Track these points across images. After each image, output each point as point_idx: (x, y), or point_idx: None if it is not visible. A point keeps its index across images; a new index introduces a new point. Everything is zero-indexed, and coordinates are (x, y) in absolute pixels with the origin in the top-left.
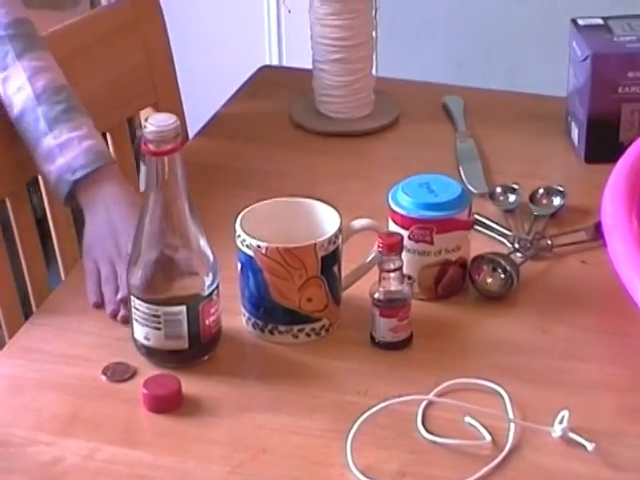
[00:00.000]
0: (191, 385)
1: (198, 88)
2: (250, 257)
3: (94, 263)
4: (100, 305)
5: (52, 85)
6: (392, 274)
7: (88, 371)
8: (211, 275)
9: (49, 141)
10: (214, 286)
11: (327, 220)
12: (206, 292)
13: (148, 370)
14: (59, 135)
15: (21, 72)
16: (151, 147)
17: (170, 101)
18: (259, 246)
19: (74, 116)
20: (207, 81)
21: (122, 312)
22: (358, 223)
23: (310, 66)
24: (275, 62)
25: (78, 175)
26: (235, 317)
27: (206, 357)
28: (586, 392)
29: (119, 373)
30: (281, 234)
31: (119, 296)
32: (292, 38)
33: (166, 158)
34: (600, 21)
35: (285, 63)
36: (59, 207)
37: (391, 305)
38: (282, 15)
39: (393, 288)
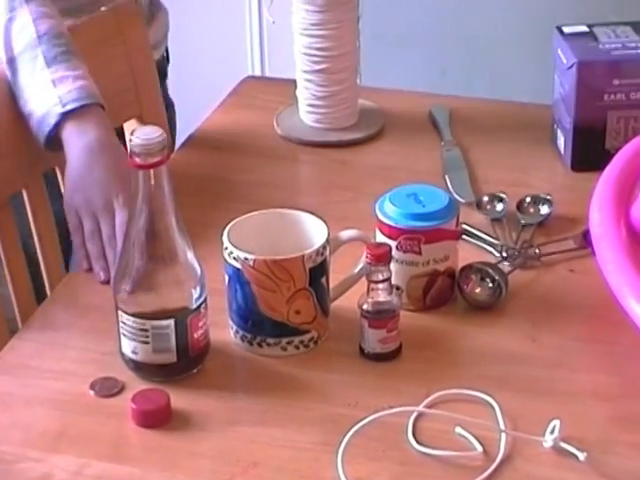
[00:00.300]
0: (180, 399)
1: (182, 99)
2: (238, 269)
3: (77, 215)
4: (90, 270)
5: (55, 30)
6: (380, 285)
7: (76, 386)
8: (199, 288)
9: (45, 76)
10: (202, 299)
11: (315, 231)
12: (194, 305)
13: (136, 384)
14: (55, 72)
15: (27, 14)
16: (137, 160)
17: (155, 112)
18: (247, 258)
19: (72, 58)
20: (190, 92)
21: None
22: (346, 234)
23: (294, 76)
24: (258, 73)
25: (68, 107)
26: (223, 330)
27: (195, 370)
28: (576, 401)
29: (107, 388)
30: (268, 246)
31: (109, 259)
32: (274, 49)
33: (152, 171)
34: (585, 28)
35: (268, 74)
36: (43, 220)
37: (380, 316)
38: (264, 26)
39: (382, 299)
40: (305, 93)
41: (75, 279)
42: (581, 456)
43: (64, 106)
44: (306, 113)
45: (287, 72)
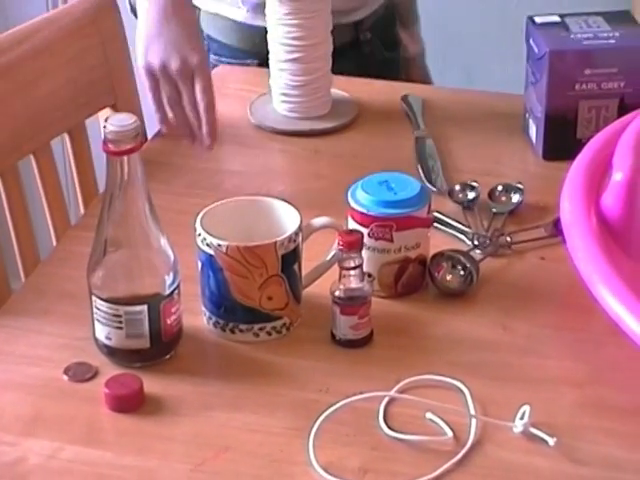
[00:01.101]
0: (153, 384)
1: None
2: (210, 256)
3: (153, 77)
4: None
5: None
6: (352, 272)
7: (50, 371)
8: (172, 274)
9: None
10: (175, 285)
11: (287, 219)
12: (167, 291)
13: (110, 370)
14: None
15: None
16: (111, 147)
17: (128, 101)
18: (220, 245)
19: None
20: None
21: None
22: (318, 221)
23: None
24: None
25: None
26: (196, 316)
27: (167, 356)
28: (546, 387)
29: (81, 373)
30: (241, 233)
31: (192, 125)
32: None
33: (126, 158)
34: (557, 18)
35: None
36: (17, 204)
37: (351, 303)
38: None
39: (353, 285)
40: (279, 82)
41: (49, 266)
42: (551, 441)
43: None
44: (280, 102)
45: None
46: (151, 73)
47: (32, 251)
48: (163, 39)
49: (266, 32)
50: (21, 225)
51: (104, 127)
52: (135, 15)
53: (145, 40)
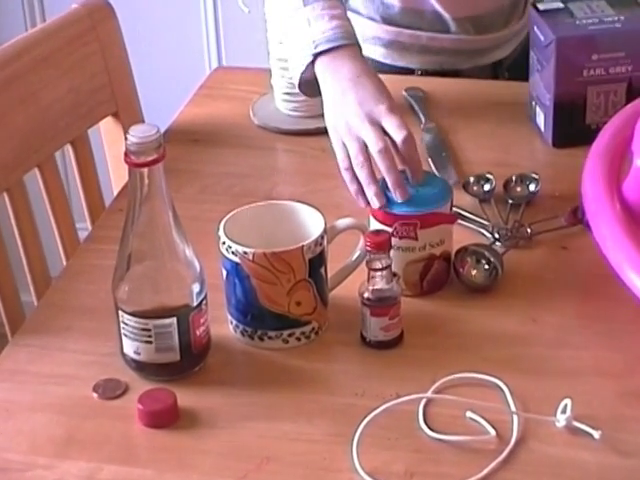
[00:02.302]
0: (185, 398)
1: (148, 95)
2: (236, 264)
3: (343, 145)
4: (362, 193)
5: None
6: (381, 272)
7: (78, 390)
8: (199, 284)
9: (301, 14)
10: (202, 295)
11: (310, 222)
12: (195, 302)
13: (139, 385)
14: (312, 10)
15: None
16: (134, 159)
17: (130, 108)
18: (246, 252)
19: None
20: (153, 87)
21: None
22: (342, 223)
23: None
24: (214, 64)
25: (320, 49)
26: (221, 325)
27: (197, 368)
28: (584, 380)
29: (110, 390)
30: (264, 238)
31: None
32: (231, 40)
33: (147, 169)
34: (560, 4)
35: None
36: (24, 218)
37: (382, 304)
38: (219, 18)
39: (383, 286)
40: (281, 82)
41: (64, 281)
42: (596, 434)
43: (316, 47)
44: (282, 102)
45: (245, 62)
46: (340, 141)
47: (41, 263)
48: (348, 101)
49: None
50: (29, 238)
51: (126, 139)
52: (302, 91)
53: (330, 109)
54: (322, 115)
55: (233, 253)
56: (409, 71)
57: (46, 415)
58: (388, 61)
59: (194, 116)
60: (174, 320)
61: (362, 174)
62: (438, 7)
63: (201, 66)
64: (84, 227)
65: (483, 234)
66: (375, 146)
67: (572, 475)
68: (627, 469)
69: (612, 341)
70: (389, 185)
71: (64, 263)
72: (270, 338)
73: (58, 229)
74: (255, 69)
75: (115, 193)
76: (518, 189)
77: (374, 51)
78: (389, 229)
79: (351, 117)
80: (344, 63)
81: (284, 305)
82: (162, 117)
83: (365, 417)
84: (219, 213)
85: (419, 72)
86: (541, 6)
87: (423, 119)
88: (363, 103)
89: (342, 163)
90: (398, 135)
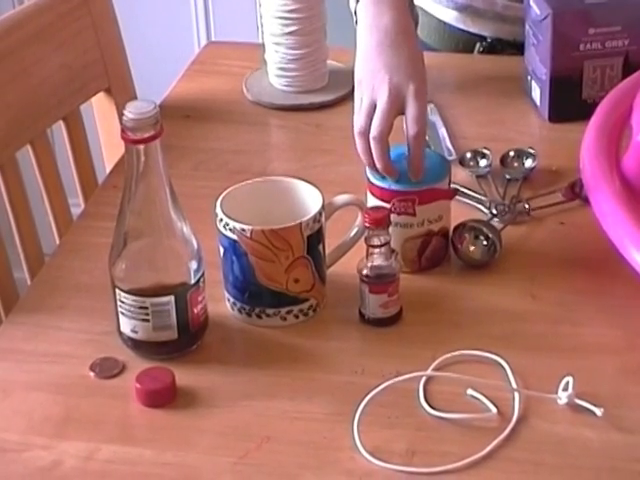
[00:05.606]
0: (182, 376)
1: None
2: (234, 241)
3: (361, 98)
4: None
5: None
6: (380, 249)
7: (75, 369)
8: (196, 262)
9: None
10: (200, 273)
11: (307, 198)
12: (193, 280)
13: (136, 364)
14: None
15: None
16: (130, 135)
17: (123, 83)
18: (243, 229)
19: None
20: (142, 62)
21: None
22: (340, 199)
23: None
24: (203, 40)
25: None
26: (219, 303)
27: (194, 346)
28: (585, 356)
29: (108, 369)
30: (261, 215)
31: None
32: (220, 16)
33: (144, 146)
34: None
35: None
36: (16, 195)
37: (380, 281)
38: None
39: (382, 263)
40: (275, 57)
41: (58, 259)
42: (598, 412)
43: None
44: (276, 77)
45: (234, 37)
46: (361, 95)
47: (34, 240)
48: (379, 63)
49: None
50: (22, 216)
51: (123, 115)
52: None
53: (361, 62)
54: (316, 90)
55: (231, 230)
56: (481, 38)
57: (43, 394)
58: (460, 25)
59: (187, 92)
60: (171, 298)
61: (360, 143)
62: None
63: (190, 41)
64: (76, 203)
65: (481, 210)
66: (376, 129)
67: (575, 452)
68: (630, 446)
69: (612, 317)
70: (379, 169)
71: (57, 240)
72: (268, 316)
73: (51, 206)
74: (248, 44)
75: (108, 169)
76: (515, 164)
77: (446, 14)
78: (387, 205)
79: (378, 83)
80: (386, 11)
81: (282, 282)
82: (154, 93)
83: (365, 395)
84: (214, 190)
85: (488, 40)
86: None
87: None
88: (394, 74)
89: (357, 122)
90: (412, 128)
